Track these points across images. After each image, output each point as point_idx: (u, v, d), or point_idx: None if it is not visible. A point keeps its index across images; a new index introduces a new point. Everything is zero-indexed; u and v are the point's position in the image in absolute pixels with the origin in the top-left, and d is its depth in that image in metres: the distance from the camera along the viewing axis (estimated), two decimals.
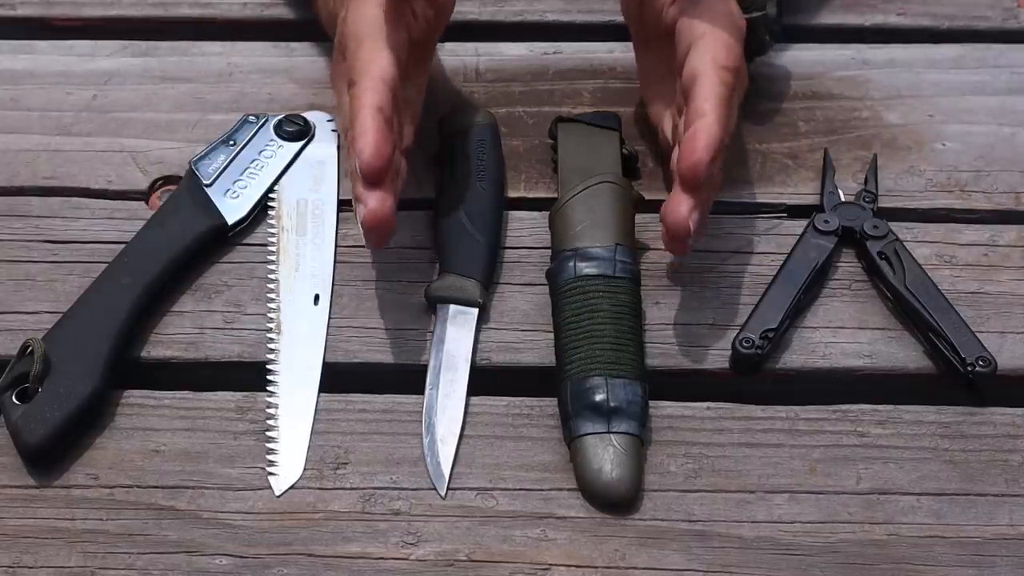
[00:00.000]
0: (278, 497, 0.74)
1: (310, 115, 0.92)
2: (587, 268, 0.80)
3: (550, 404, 0.78)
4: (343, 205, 0.87)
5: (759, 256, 0.85)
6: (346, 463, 0.76)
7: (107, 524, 0.73)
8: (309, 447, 0.76)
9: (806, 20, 1.02)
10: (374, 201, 0.76)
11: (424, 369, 0.79)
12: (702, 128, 0.77)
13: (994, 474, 0.75)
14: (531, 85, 0.97)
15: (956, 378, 0.79)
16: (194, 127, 0.93)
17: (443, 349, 0.80)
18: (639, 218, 0.85)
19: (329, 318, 0.82)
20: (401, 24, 0.81)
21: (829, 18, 1.03)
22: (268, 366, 0.80)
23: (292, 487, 0.75)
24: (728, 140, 0.79)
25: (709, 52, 0.80)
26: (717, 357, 0.80)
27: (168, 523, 0.73)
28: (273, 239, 0.86)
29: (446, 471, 0.75)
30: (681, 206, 0.76)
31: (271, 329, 0.81)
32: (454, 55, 0.98)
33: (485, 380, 0.79)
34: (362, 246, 0.85)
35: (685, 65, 0.80)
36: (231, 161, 0.88)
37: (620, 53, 0.98)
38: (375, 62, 0.79)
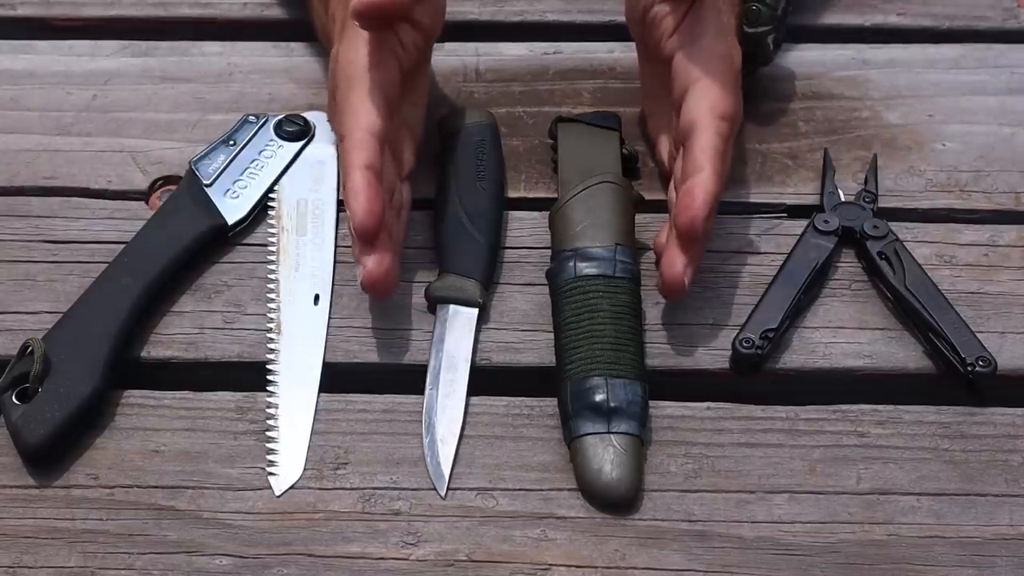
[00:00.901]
0: (278, 497, 0.74)
1: (310, 115, 0.92)
2: (587, 268, 0.80)
3: (550, 404, 0.78)
4: (343, 205, 0.87)
5: (759, 256, 0.85)
6: (346, 463, 0.76)
7: (107, 524, 0.73)
8: (309, 447, 0.76)
9: (806, 20, 1.02)
10: (372, 263, 0.77)
11: (424, 369, 0.79)
12: (699, 184, 0.78)
13: (994, 474, 0.75)
14: (531, 85, 0.97)
15: (956, 378, 0.79)
16: (194, 127, 0.93)
17: (443, 349, 0.80)
18: (639, 218, 0.85)
19: (329, 318, 0.82)
20: (390, 61, 0.81)
21: (829, 18, 1.03)
22: (268, 366, 0.80)
23: (292, 487, 0.75)
24: (724, 189, 0.80)
25: (707, 100, 0.80)
26: (717, 357, 0.80)
27: (168, 523, 0.73)
28: (273, 239, 0.86)
29: (446, 471, 0.75)
30: (676, 263, 0.78)
31: (271, 329, 0.81)
32: (454, 55, 0.98)
33: (485, 380, 0.79)
34: None
35: (683, 111, 0.81)
36: (231, 161, 0.88)
37: (620, 53, 0.98)
38: (363, 114, 0.80)
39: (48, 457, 0.75)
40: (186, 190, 0.87)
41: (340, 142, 0.81)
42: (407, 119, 0.86)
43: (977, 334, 0.79)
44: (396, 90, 0.82)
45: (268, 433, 0.77)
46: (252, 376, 0.79)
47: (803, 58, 0.98)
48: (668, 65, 0.84)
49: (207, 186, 0.87)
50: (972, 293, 0.83)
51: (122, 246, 0.83)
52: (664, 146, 0.87)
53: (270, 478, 0.75)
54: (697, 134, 0.80)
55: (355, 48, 0.81)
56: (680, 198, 0.79)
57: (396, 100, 0.82)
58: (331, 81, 0.83)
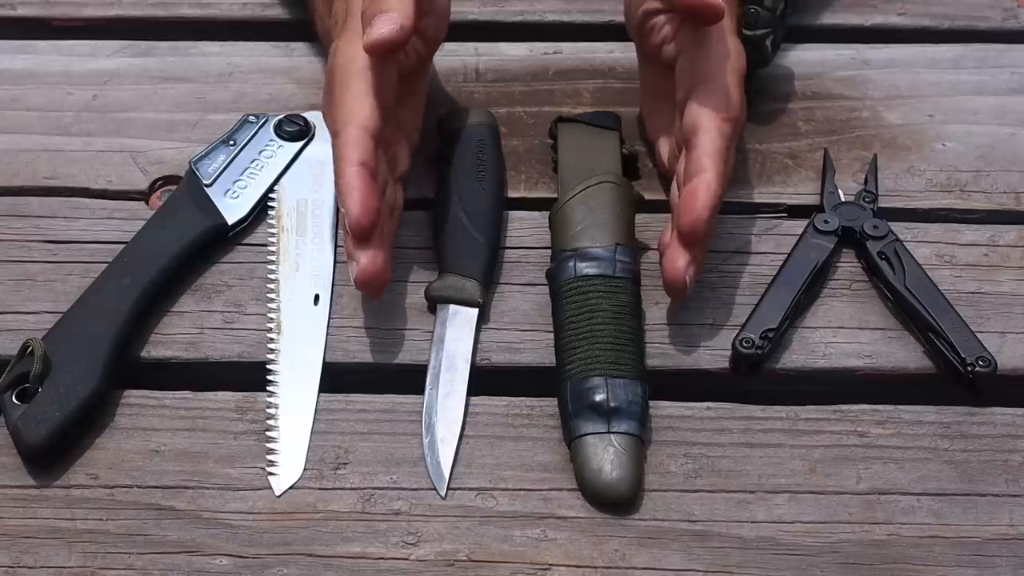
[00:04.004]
0: (278, 497, 0.74)
1: (310, 115, 0.92)
2: (587, 268, 0.80)
3: (550, 404, 0.78)
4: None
5: (759, 256, 0.85)
6: (346, 463, 0.76)
7: (107, 524, 0.73)
8: (309, 447, 0.76)
9: (806, 20, 1.02)
10: (365, 259, 0.77)
11: (424, 369, 0.79)
12: (702, 184, 0.78)
13: (994, 474, 0.75)
14: (531, 85, 0.97)
15: (956, 378, 0.79)
16: (194, 127, 0.93)
17: (443, 349, 0.80)
18: (639, 218, 0.85)
19: (329, 318, 0.82)
20: (389, 62, 0.81)
21: (829, 18, 1.03)
22: (268, 366, 0.80)
23: (292, 487, 0.75)
24: (726, 190, 0.80)
25: (710, 102, 0.80)
26: (717, 357, 0.80)
27: (168, 523, 0.73)
28: (273, 239, 0.86)
29: (446, 471, 0.75)
30: (678, 261, 0.78)
31: (271, 329, 0.81)
32: (454, 55, 0.98)
33: (485, 380, 0.79)
34: None
35: (686, 114, 0.81)
36: (231, 161, 0.88)
37: (620, 53, 0.98)
38: (358, 112, 0.79)
39: (48, 457, 0.75)
40: (186, 190, 0.87)
41: (334, 139, 0.80)
42: (403, 122, 0.86)
43: (977, 334, 0.79)
44: (393, 92, 0.82)
45: (268, 433, 0.77)
46: (252, 376, 0.79)
47: (803, 58, 0.98)
48: (669, 68, 0.84)
49: (207, 186, 0.87)
50: (972, 293, 0.83)
51: (122, 246, 0.83)
52: (665, 147, 0.87)
53: (270, 478, 0.75)
54: (700, 136, 0.80)
55: (355, 46, 0.81)
56: (682, 199, 0.79)
57: (393, 101, 0.82)
58: (328, 77, 0.83)
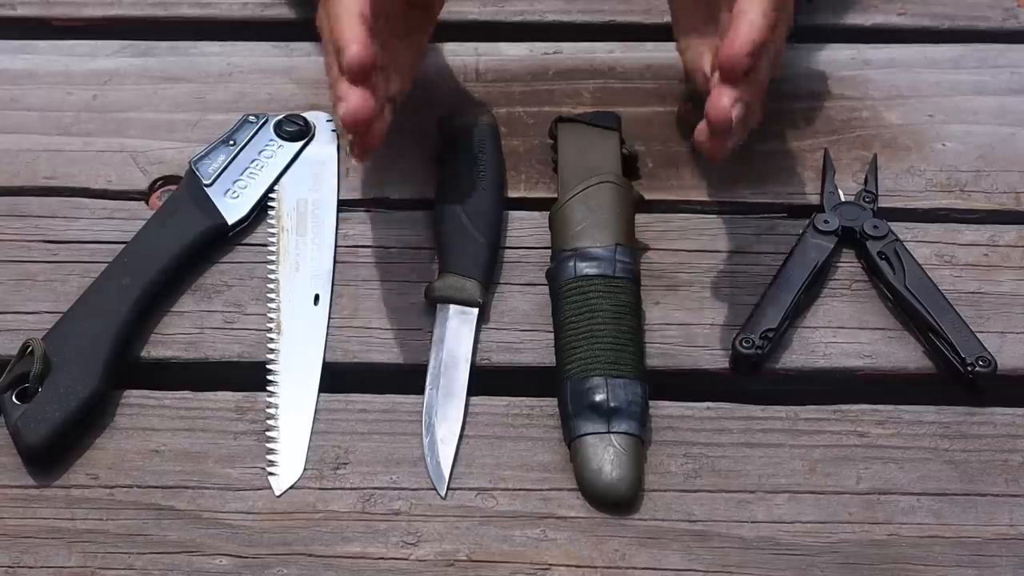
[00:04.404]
0: (278, 497, 0.74)
1: (310, 115, 0.92)
2: (587, 268, 0.80)
3: (550, 404, 0.78)
4: (343, 205, 0.87)
5: (759, 256, 0.85)
6: (346, 463, 0.76)
7: (107, 524, 0.73)
8: (309, 447, 0.76)
9: (807, 20, 1.02)
10: (356, 97, 0.72)
11: (424, 369, 0.79)
12: (743, 22, 0.75)
13: (994, 474, 0.75)
14: (531, 85, 0.97)
15: (956, 378, 0.79)
16: (194, 127, 0.93)
17: (443, 349, 0.80)
18: (639, 218, 0.85)
19: (329, 318, 0.82)
20: None
21: (829, 18, 1.03)
22: (268, 366, 0.80)
23: (292, 487, 0.75)
24: (775, 43, 0.77)
25: None
26: (717, 357, 0.80)
27: (168, 523, 0.73)
28: (273, 239, 0.86)
29: (446, 471, 0.75)
30: (723, 98, 0.74)
31: (271, 329, 0.81)
32: (454, 55, 0.98)
33: (485, 380, 0.79)
34: (362, 246, 0.85)
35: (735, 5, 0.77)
36: (231, 161, 0.88)
37: (620, 53, 0.98)
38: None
39: (48, 457, 0.75)
40: (186, 190, 0.87)
41: (330, 15, 0.76)
42: (398, 53, 0.82)
43: (977, 334, 0.79)
44: (395, 5, 0.79)
45: (268, 433, 0.77)
46: (252, 376, 0.79)
47: (803, 58, 0.98)
48: None
49: (207, 186, 0.87)
50: (972, 293, 0.83)
51: (122, 246, 0.83)
52: (708, 65, 0.84)
53: (270, 478, 0.75)
54: None
55: None
56: (724, 39, 0.75)
57: (396, 9, 0.79)
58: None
